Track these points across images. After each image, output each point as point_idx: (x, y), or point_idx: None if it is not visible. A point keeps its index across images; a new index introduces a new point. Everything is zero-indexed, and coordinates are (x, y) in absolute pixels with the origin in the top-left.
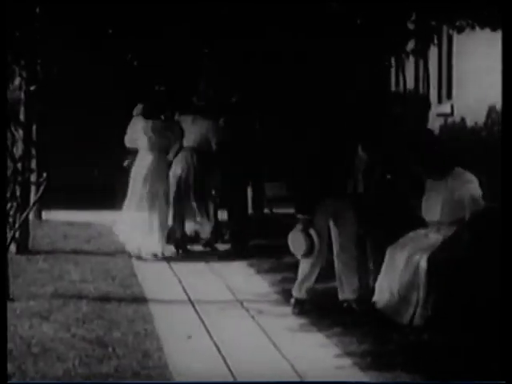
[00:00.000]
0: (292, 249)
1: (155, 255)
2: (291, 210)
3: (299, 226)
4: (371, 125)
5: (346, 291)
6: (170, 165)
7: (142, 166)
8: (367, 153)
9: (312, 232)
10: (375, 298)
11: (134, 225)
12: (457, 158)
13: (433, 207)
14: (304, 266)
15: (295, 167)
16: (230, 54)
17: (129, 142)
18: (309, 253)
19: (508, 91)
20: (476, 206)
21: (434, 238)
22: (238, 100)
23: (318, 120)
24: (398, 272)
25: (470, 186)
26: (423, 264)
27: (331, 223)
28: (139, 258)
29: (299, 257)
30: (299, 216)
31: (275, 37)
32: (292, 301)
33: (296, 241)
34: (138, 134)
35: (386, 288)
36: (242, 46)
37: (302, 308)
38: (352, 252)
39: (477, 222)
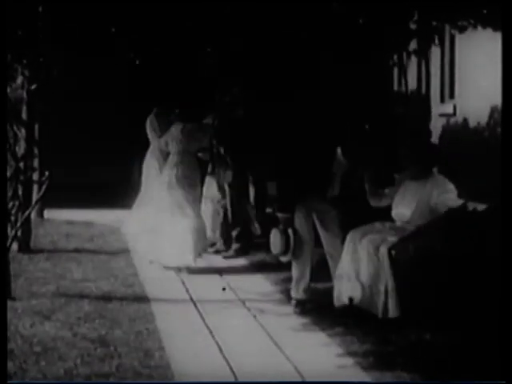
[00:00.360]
0: (272, 247)
1: (189, 267)
2: None
3: (278, 226)
4: (352, 130)
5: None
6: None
7: (170, 169)
8: (346, 158)
9: (289, 231)
10: (335, 285)
11: (154, 232)
12: (441, 161)
13: (404, 207)
14: (295, 265)
15: (277, 166)
16: (230, 53)
17: (164, 145)
18: (284, 252)
19: (508, 91)
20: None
21: (399, 231)
22: (240, 97)
23: (302, 120)
24: (363, 262)
25: (449, 195)
26: (384, 257)
27: (317, 224)
28: (168, 267)
29: (277, 256)
30: (279, 215)
31: (276, 37)
32: (292, 302)
33: (273, 240)
34: (169, 137)
35: (351, 277)
36: (242, 46)
37: (304, 308)
38: (341, 250)
39: (447, 224)
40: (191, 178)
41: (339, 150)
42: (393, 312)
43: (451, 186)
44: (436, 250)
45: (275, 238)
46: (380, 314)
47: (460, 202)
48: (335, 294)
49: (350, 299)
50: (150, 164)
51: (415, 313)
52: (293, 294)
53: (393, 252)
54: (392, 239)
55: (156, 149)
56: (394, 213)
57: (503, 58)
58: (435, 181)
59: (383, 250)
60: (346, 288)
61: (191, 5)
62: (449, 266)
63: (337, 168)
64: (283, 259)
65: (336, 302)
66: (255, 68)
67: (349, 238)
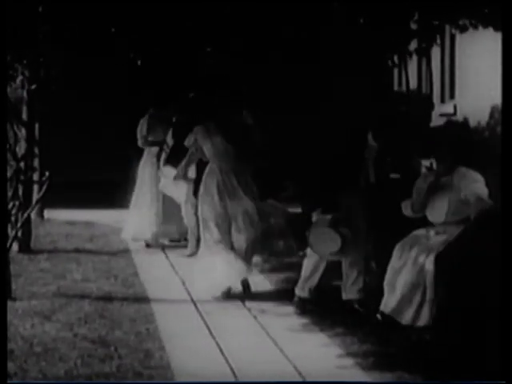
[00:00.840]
0: (316, 247)
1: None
2: (297, 210)
3: (324, 223)
4: (380, 113)
5: (350, 291)
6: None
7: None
8: (378, 142)
9: (343, 229)
10: (385, 298)
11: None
12: (467, 156)
13: (438, 208)
14: (308, 264)
15: (307, 166)
16: (232, 53)
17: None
18: (341, 251)
19: (508, 91)
20: (482, 205)
21: (441, 237)
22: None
23: (322, 115)
24: (404, 272)
25: (477, 185)
26: (429, 264)
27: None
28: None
29: (326, 256)
30: (321, 216)
31: (277, 36)
32: (295, 299)
33: (325, 239)
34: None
35: (388, 286)
36: (244, 45)
37: (304, 307)
38: (360, 251)
39: (482, 222)
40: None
41: (370, 135)
42: (424, 320)
43: (477, 176)
44: (475, 258)
45: (327, 237)
46: (410, 321)
47: (487, 191)
48: (383, 302)
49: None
50: (147, 166)
51: (451, 321)
52: (297, 291)
53: (439, 261)
54: (433, 247)
55: (153, 153)
56: (429, 217)
57: (503, 58)
58: (460, 173)
59: (430, 259)
60: (385, 299)
61: (191, 5)
62: (485, 273)
63: (368, 154)
64: (332, 258)
65: (382, 309)
66: (258, 67)
67: (396, 251)
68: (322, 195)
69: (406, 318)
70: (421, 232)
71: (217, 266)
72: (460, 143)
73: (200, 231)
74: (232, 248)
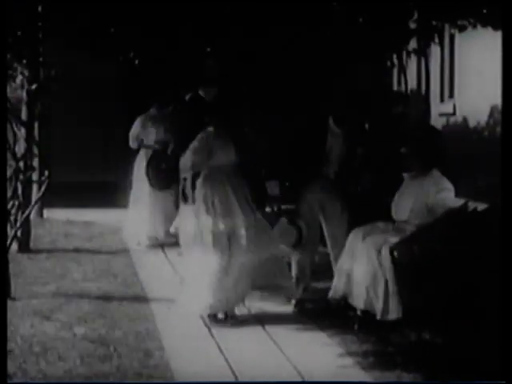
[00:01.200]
0: (280, 240)
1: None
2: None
3: (286, 217)
4: (340, 96)
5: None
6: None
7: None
8: (338, 126)
9: (301, 222)
10: (335, 278)
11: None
12: (442, 159)
13: (402, 207)
14: (294, 265)
15: (275, 157)
16: (231, 53)
17: None
18: (298, 243)
19: (508, 91)
20: (448, 212)
21: (401, 231)
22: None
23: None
24: (363, 262)
25: (445, 194)
26: (386, 257)
27: (321, 217)
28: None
29: (288, 248)
30: (283, 207)
31: (276, 36)
32: (292, 301)
33: (284, 232)
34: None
35: (349, 276)
36: (242, 45)
37: (303, 307)
38: (343, 244)
39: (446, 223)
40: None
41: (331, 119)
42: (393, 314)
43: (448, 185)
44: (436, 251)
45: (285, 230)
46: (379, 316)
47: (457, 201)
48: (332, 287)
49: (344, 296)
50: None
51: (416, 314)
52: (293, 296)
53: (395, 253)
54: (394, 240)
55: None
56: (393, 212)
57: (503, 58)
58: (432, 179)
59: (385, 251)
60: (342, 284)
61: (191, 5)
62: (449, 267)
63: (331, 140)
64: (295, 253)
65: (331, 295)
66: (254, 64)
67: (351, 236)
68: (292, 186)
69: (377, 311)
70: (382, 224)
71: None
72: (426, 148)
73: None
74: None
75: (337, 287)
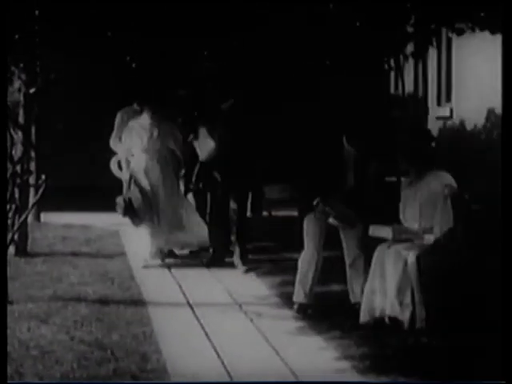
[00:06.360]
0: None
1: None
2: (292, 213)
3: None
4: (354, 116)
5: (357, 294)
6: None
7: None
8: (353, 145)
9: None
10: (365, 301)
11: None
12: (436, 162)
13: (410, 213)
14: (303, 260)
15: (294, 167)
16: (228, 55)
17: None
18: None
19: (508, 93)
20: (453, 190)
21: (423, 239)
22: (236, 101)
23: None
24: (389, 273)
25: (445, 178)
26: (412, 265)
27: (341, 234)
28: None
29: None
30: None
31: (274, 38)
32: (294, 307)
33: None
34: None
35: (377, 290)
36: (239, 47)
37: (305, 312)
38: (357, 253)
39: (465, 225)
40: None
41: (344, 139)
42: (420, 323)
43: (450, 179)
44: (459, 258)
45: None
46: (407, 325)
47: (455, 186)
48: (364, 308)
49: (381, 314)
50: None
51: (441, 323)
52: (295, 297)
53: (421, 260)
54: (418, 247)
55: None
56: (401, 218)
57: (503, 60)
58: (431, 176)
59: (411, 258)
60: (378, 303)
61: (189, 5)
62: (466, 272)
63: (347, 157)
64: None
65: (364, 317)
66: (253, 72)
67: (376, 252)
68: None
69: (405, 321)
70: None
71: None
72: (420, 151)
73: None
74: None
75: (372, 307)
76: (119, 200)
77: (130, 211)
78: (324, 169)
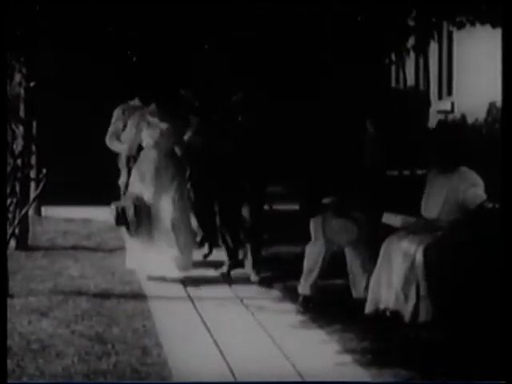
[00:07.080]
0: (334, 237)
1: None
2: (293, 207)
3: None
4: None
5: (360, 289)
6: None
7: None
8: (375, 129)
9: (355, 214)
10: (371, 293)
11: None
12: (468, 156)
13: (432, 204)
14: (310, 254)
15: (309, 165)
16: (229, 51)
17: None
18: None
19: (508, 88)
20: (479, 210)
21: (432, 232)
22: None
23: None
24: (396, 266)
25: (476, 189)
26: (419, 258)
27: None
28: None
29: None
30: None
31: (275, 34)
32: (299, 299)
33: (341, 227)
34: None
35: (384, 283)
36: (241, 44)
37: (308, 305)
38: (360, 249)
39: (477, 221)
40: None
41: (368, 122)
42: (423, 316)
43: (479, 181)
44: (467, 248)
45: (343, 226)
46: (408, 318)
47: (485, 196)
48: (370, 300)
49: (386, 307)
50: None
51: (446, 316)
52: (300, 289)
53: (428, 253)
54: (426, 241)
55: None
56: (422, 209)
57: (503, 54)
58: (462, 175)
59: (419, 252)
60: (383, 295)
61: (189, 4)
62: (477, 269)
63: (368, 140)
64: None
65: (369, 309)
66: (256, 68)
67: (384, 244)
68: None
69: (406, 314)
70: (411, 226)
71: None
72: (451, 146)
73: None
74: None
75: (377, 300)
76: (112, 207)
77: (121, 222)
78: (340, 153)
